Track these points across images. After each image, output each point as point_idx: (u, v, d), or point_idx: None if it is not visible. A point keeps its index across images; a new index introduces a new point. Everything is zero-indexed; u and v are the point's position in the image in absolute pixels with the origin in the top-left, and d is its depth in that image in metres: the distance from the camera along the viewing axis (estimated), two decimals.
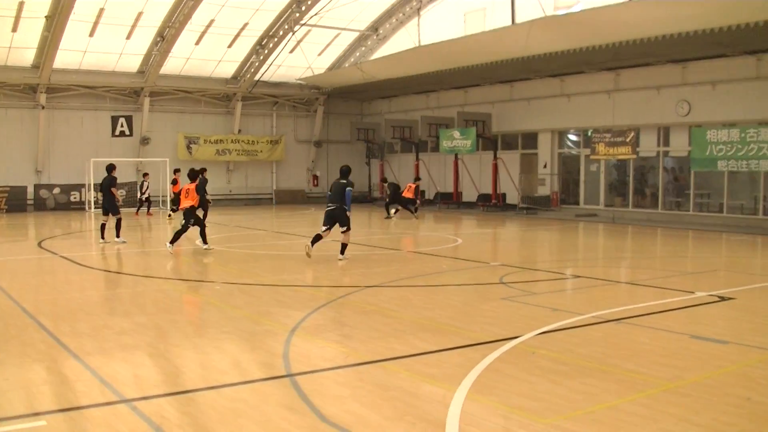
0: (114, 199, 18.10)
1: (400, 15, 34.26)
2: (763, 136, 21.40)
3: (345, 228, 14.96)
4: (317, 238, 15.17)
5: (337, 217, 14.89)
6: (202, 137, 35.58)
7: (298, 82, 37.18)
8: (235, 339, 8.36)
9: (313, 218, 29.64)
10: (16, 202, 30.66)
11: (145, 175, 30.02)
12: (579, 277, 12.99)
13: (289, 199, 38.40)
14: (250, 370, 7.03)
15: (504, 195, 32.30)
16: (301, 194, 39.11)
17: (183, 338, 8.46)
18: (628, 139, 25.24)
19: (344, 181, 14.91)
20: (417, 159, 36.31)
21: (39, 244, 18.92)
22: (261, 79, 35.03)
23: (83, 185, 31.80)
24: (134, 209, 29.63)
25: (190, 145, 35.26)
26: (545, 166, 31.78)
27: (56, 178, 32.10)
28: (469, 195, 34.24)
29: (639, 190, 28.61)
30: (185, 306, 10.36)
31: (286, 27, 31.58)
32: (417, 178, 31.74)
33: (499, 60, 27.52)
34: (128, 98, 33.70)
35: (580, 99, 29.83)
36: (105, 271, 14.33)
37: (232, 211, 32.65)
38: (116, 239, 18.33)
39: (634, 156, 25.60)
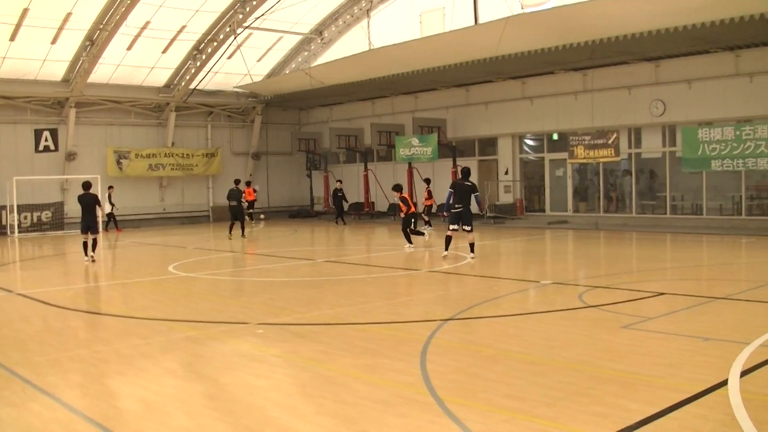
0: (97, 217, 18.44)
1: (348, 17, 32.30)
2: (759, 133, 20.62)
3: (470, 228, 16.09)
4: (449, 239, 16.50)
5: (463, 218, 16.02)
6: (133, 151, 32.47)
7: (236, 90, 34.61)
8: (378, 414, 6.12)
9: (270, 235, 27.30)
10: None
11: (110, 188, 29.18)
12: (663, 294, 11.33)
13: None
14: None
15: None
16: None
17: (301, 422, 6.17)
18: (610, 141, 24.09)
19: (468, 184, 16.21)
20: (366, 169, 34.34)
21: None
22: (196, 87, 32.28)
23: (4, 207, 28.26)
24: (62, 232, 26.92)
25: (120, 160, 32.15)
26: (506, 173, 30.44)
27: None
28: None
29: (608, 194, 27.59)
30: (249, 363, 7.88)
31: (228, 29, 29.05)
32: (426, 180, 27.39)
33: (461, 62, 25.80)
34: (52, 110, 30.24)
35: (543, 101, 28.65)
36: (88, 312, 11.65)
37: (169, 231, 29.87)
38: (92, 253, 18.31)
39: (618, 158, 24.51)
